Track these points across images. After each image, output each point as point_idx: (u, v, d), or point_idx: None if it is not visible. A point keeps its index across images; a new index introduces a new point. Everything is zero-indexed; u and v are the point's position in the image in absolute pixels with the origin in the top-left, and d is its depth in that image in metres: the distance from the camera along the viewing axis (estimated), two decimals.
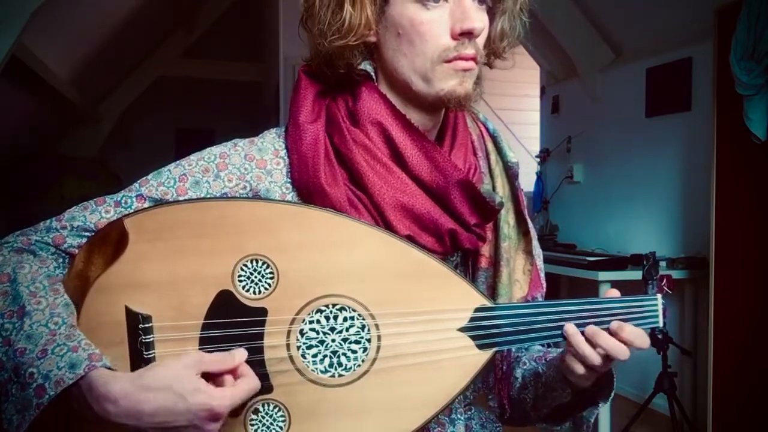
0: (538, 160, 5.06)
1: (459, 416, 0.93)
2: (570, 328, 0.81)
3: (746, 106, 2.70)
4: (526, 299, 0.92)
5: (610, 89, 4.20)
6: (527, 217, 0.96)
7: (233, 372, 0.73)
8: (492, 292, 0.90)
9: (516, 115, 6.37)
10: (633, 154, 3.95)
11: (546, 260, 1.07)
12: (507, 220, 0.93)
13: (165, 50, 7.40)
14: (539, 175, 4.99)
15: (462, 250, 0.91)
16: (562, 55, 4.52)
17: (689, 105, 3.53)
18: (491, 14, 0.88)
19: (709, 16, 2.97)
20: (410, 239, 0.83)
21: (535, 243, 0.97)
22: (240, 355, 0.74)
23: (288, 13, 4.78)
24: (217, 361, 0.73)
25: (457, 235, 0.85)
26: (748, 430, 2.75)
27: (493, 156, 0.94)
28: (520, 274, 0.93)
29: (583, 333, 0.81)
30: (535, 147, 5.32)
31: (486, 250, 0.92)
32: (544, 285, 0.98)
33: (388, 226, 0.83)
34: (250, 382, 0.74)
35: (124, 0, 4.97)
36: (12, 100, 4.50)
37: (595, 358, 0.80)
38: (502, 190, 0.93)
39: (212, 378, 0.72)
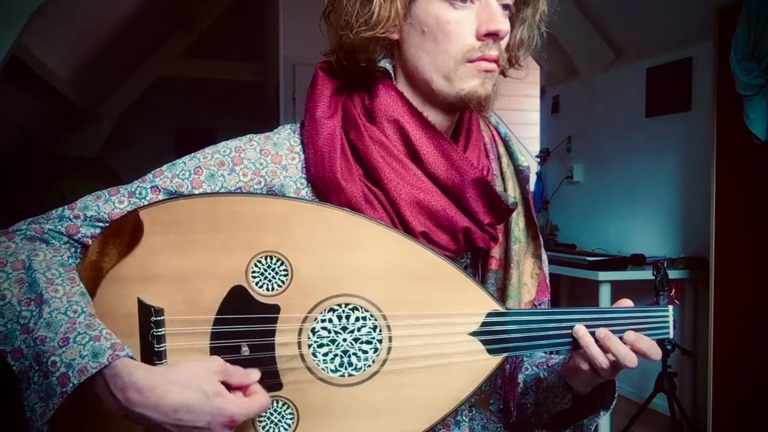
0: (538, 160, 5.06)
1: (464, 418, 0.93)
2: (580, 329, 0.81)
3: (746, 106, 2.70)
4: (534, 303, 0.92)
5: (610, 89, 4.20)
6: (537, 221, 0.96)
7: (245, 389, 0.75)
8: (501, 295, 0.90)
9: (516, 115, 6.37)
10: (633, 154, 3.95)
11: None
12: (517, 222, 0.93)
13: (165, 50, 7.37)
14: (539, 175, 4.99)
15: (473, 251, 0.91)
16: (562, 55, 4.51)
17: (689, 105, 3.53)
18: (512, 23, 0.89)
19: (709, 16, 2.98)
20: (425, 236, 0.83)
21: (543, 248, 0.97)
22: (255, 375, 0.76)
23: (288, 13, 4.77)
24: (238, 374, 0.74)
25: (471, 233, 0.85)
26: (748, 430, 2.76)
27: (505, 159, 0.94)
28: (529, 278, 0.93)
29: (593, 334, 0.81)
30: (535, 147, 5.32)
31: (497, 252, 0.92)
32: (549, 290, 0.98)
33: (403, 223, 0.83)
34: (262, 398, 0.75)
35: (124, 0, 4.97)
36: (12, 100, 4.49)
37: (603, 360, 0.80)
38: (513, 193, 0.92)
39: (228, 389, 0.73)
